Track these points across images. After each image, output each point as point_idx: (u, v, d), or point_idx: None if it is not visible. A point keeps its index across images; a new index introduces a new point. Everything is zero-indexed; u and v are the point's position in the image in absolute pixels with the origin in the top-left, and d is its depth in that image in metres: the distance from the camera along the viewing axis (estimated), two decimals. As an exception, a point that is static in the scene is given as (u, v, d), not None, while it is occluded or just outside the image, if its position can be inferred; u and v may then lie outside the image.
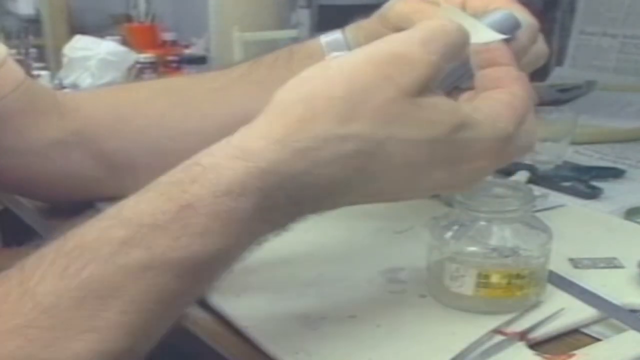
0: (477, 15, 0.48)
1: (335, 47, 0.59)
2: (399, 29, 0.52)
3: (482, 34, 0.46)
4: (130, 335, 0.34)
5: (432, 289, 0.50)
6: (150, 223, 0.35)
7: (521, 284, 0.47)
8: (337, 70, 0.38)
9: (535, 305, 0.47)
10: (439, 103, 0.39)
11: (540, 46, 0.52)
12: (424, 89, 0.38)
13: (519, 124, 0.41)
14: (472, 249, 0.47)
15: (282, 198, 0.36)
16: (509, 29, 0.47)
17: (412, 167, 0.39)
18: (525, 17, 0.49)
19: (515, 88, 0.42)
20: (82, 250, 0.34)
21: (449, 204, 0.65)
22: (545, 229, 0.48)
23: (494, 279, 0.46)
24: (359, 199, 0.41)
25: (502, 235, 0.47)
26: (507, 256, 0.46)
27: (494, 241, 0.47)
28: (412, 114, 0.38)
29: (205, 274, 0.37)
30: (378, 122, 0.37)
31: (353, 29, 0.60)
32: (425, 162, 0.39)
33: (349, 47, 0.59)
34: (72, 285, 0.34)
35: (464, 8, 0.52)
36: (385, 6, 0.57)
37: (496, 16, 0.48)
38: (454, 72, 0.45)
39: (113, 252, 0.34)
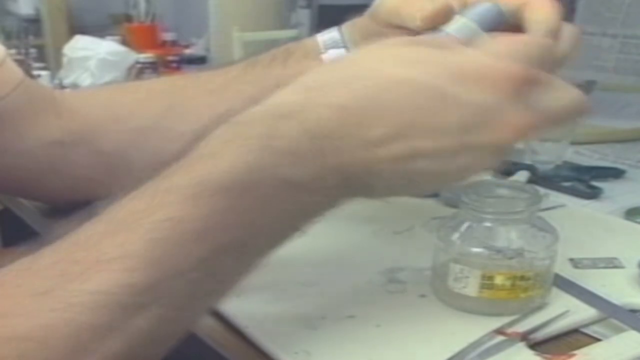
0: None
1: (332, 45, 0.59)
2: (389, 24, 0.51)
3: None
4: (153, 268, 0.35)
5: (436, 290, 0.50)
6: (178, 164, 0.38)
7: (526, 285, 0.46)
8: None
9: (538, 307, 0.47)
10: None
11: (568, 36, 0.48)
12: None
13: (525, 55, 0.41)
14: (476, 250, 0.47)
15: (295, 131, 0.38)
16: (490, 22, 0.46)
17: (423, 88, 0.39)
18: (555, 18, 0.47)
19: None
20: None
21: (450, 204, 0.65)
22: (552, 231, 0.48)
23: (498, 280, 0.46)
24: (382, 157, 0.39)
25: (508, 236, 0.47)
26: (511, 258, 0.46)
27: (499, 242, 0.47)
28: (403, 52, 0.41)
29: (221, 204, 0.36)
30: (380, 62, 0.41)
31: (349, 27, 0.60)
32: (432, 78, 0.39)
33: (345, 45, 0.58)
34: (102, 218, 0.36)
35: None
36: (376, 2, 0.57)
37: (478, 9, 0.46)
38: None
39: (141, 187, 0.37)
